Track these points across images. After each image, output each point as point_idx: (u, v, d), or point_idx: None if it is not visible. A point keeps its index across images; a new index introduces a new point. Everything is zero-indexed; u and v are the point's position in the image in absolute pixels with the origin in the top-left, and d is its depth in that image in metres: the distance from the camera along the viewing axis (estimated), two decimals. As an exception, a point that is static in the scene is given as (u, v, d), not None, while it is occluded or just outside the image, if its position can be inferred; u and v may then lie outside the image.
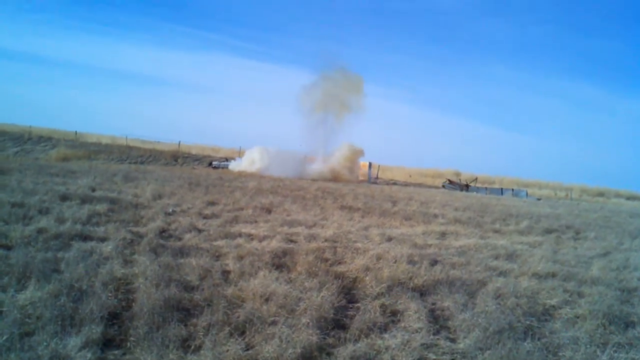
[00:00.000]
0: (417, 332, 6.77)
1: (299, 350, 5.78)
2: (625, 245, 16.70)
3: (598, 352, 6.76)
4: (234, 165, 44.40)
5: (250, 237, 11.74)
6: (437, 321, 7.45)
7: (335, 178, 43.09)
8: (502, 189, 50.52)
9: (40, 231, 10.23)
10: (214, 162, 45.38)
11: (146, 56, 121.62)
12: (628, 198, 63.24)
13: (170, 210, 14.55)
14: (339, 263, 9.93)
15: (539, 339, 7.00)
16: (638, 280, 11.09)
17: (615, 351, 6.92)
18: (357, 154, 47.82)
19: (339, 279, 8.66)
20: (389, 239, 13.25)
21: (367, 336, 6.51)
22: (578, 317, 8.08)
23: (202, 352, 5.63)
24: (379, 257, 10.42)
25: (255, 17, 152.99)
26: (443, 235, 15.28)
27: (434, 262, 10.71)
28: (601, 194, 63.98)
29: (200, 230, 12.04)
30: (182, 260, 8.90)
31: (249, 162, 43.70)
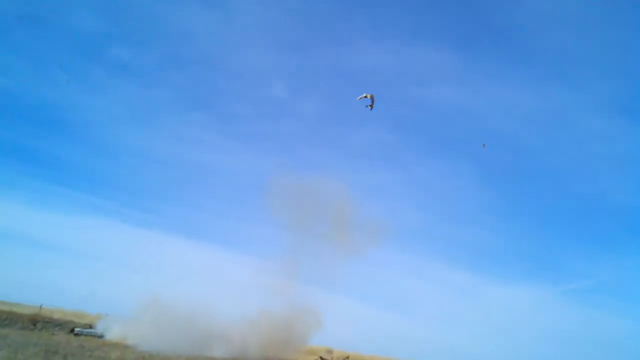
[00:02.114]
0: None
1: None
2: None
3: None
4: (106, 329, 41.75)
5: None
6: None
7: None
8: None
9: None
10: (76, 329, 42.65)
11: (14, 214, 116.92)
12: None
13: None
14: None
15: None
16: None
17: None
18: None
19: None
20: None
21: None
22: None
23: None
24: None
25: (137, 184, 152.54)
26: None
27: None
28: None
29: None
30: None
31: (127, 328, 40.84)
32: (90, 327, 45.05)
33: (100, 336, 40.86)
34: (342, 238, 49.55)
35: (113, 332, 41.60)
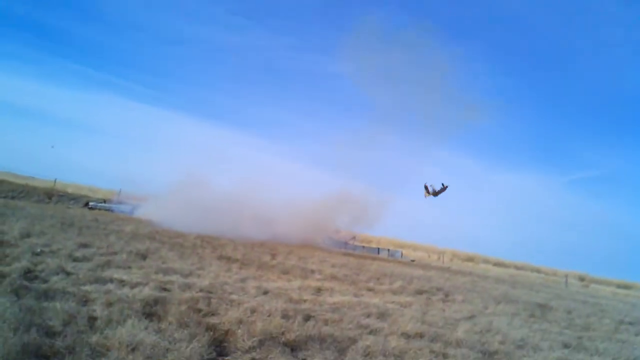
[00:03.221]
0: (285, 387, 6.74)
1: (162, 403, 5.60)
2: (489, 310, 17.54)
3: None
4: (134, 207, 42.01)
5: (122, 283, 11.32)
6: (306, 377, 7.45)
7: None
8: (378, 248, 51.92)
9: None
10: (90, 203, 43.48)
11: (27, 89, 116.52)
12: (495, 264, 66.99)
13: (39, 250, 13.81)
14: (212, 315, 9.76)
15: (403, 398, 7.16)
16: (499, 344, 11.65)
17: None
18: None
19: (211, 331, 8.51)
20: (265, 292, 13.23)
21: (234, 391, 6.40)
22: (441, 378, 8.35)
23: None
24: (253, 311, 10.36)
25: (148, 62, 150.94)
26: (319, 290, 15.43)
27: (307, 318, 10.76)
28: (470, 259, 67.41)
29: (69, 273, 11.48)
30: (46, 304, 8.43)
31: (152, 205, 40.09)
32: (104, 201, 45.85)
33: (113, 210, 41.60)
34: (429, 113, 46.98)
35: (137, 209, 41.71)
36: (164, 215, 34.41)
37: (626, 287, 66.96)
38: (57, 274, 11.19)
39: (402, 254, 51.96)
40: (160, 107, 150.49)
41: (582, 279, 67.64)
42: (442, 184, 31.63)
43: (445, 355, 9.74)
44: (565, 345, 13.08)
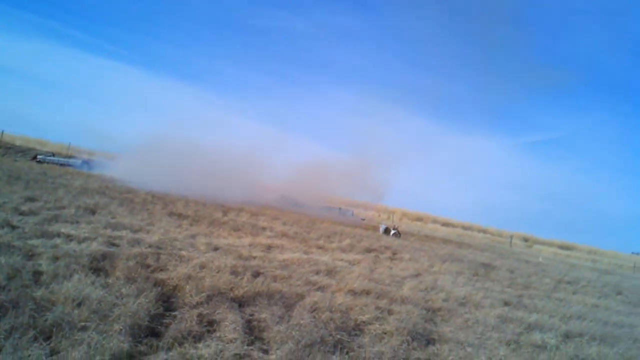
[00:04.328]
0: (231, 342, 6.85)
1: (107, 358, 5.64)
2: (435, 268, 18.02)
3: (399, 367, 7.26)
4: (80, 164, 40.69)
5: (69, 237, 11.20)
6: (253, 332, 7.57)
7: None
8: (330, 206, 52.31)
9: None
10: (39, 156, 42.33)
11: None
12: (443, 224, 68.46)
13: (-17, 203, 13.53)
14: (161, 270, 9.78)
15: (347, 353, 7.36)
16: (442, 301, 12.03)
17: (414, 366, 7.48)
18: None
19: (159, 286, 8.55)
20: (215, 249, 13.30)
21: (180, 345, 6.47)
22: (385, 333, 8.59)
23: (1, 356, 5.32)
24: (202, 266, 10.43)
25: (101, 11, 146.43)
26: (269, 248, 15.58)
27: (256, 274, 10.88)
28: (420, 219, 68.65)
29: (14, 227, 11.30)
30: (-11, 258, 8.31)
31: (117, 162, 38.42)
32: (54, 155, 44.79)
33: (63, 164, 40.69)
34: None
35: (89, 163, 40.72)
36: (122, 171, 33.09)
37: (567, 247, 69.47)
38: (2, 227, 11.01)
39: (353, 212, 52.56)
40: (117, 61, 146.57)
41: (526, 239, 69.78)
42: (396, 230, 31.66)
43: (390, 312, 10.01)
44: (506, 303, 13.61)
